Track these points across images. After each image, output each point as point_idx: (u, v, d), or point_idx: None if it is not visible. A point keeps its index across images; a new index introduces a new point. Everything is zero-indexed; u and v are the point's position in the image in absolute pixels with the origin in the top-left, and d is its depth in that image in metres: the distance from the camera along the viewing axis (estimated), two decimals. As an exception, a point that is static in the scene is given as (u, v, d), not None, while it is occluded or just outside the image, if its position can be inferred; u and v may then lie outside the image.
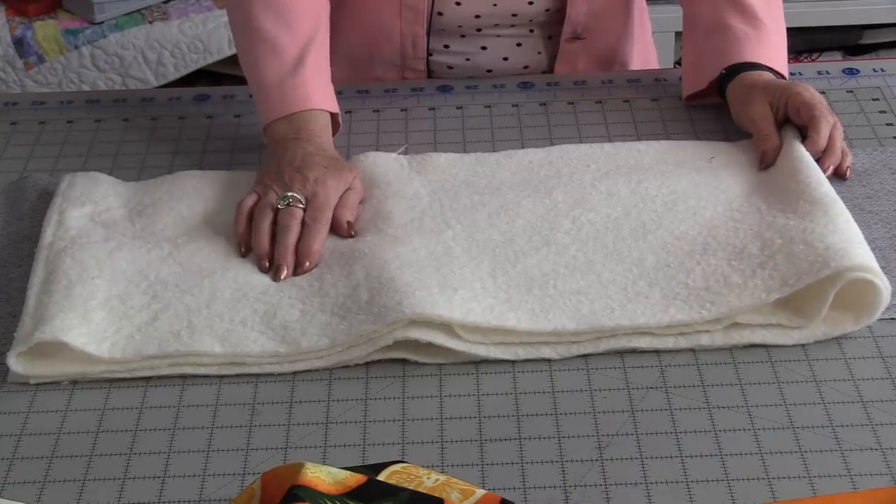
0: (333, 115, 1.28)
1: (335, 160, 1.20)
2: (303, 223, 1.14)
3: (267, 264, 1.11)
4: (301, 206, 1.15)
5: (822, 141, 1.20)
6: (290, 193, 1.15)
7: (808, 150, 1.19)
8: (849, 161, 1.22)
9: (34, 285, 1.08)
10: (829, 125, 1.21)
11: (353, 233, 1.15)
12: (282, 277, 1.09)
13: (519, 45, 1.47)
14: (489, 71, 1.48)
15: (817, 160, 1.19)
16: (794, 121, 1.24)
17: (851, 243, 1.04)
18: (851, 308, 1.03)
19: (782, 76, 1.30)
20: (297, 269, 1.10)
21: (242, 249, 1.13)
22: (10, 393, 1.01)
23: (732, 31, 1.32)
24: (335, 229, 1.15)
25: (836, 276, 1.01)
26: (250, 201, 1.17)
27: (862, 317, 1.03)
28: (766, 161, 1.21)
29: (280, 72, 1.26)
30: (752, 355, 1.02)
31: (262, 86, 1.27)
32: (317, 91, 1.26)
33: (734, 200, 1.15)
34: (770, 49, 1.32)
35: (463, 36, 1.46)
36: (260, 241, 1.13)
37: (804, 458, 0.91)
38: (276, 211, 1.15)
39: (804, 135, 1.22)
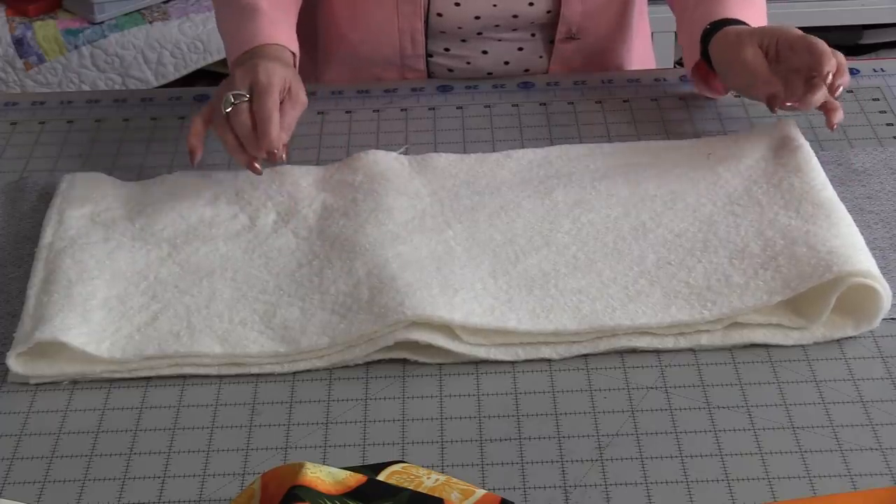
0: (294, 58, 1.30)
1: (286, 62, 1.24)
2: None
3: (245, 158, 1.16)
4: (246, 98, 1.17)
5: (832, 63, 1.16)
6: (231, 92, 1.18)
7: (818, 85, 1.16)
8: (839, 116, 1.20)
9: (34, 285, 1.08)
10: (832, 53, 1.18)
11: (284, 158, 1.16)
12: (279, 160, 1.15)
13: (520, 49, 1.47)
14: (490, 74, 1.48)
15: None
16: (790, 59, 1.20)
17: (854, 248, 1.04)
18: (852, 313, 1.03)
19: None
20: (269, 160, 1.15)
21: (190, 157, 1.19)
22: (10, 393, 1.01)
23: None
24: (260, 142, 1.15)
25: (838, 281, 1.01)
26: (203, 110, 1.21)
27: (862, 323, 1.03)
28: (775, 104, 1.18)
29: (239, 19, 1.29)
30: (752, 355, 1.02)
31: (225, 34, 1.33)
32: (272, 28, 1.28)
33: (734, 194, 1.15)
34: (754, 10, 1.30)
35: (464, 40, 1.46)
36: (223, 136, 1.17)
37: (804, 458, 0.91)
38: (227, 116, 1.18)
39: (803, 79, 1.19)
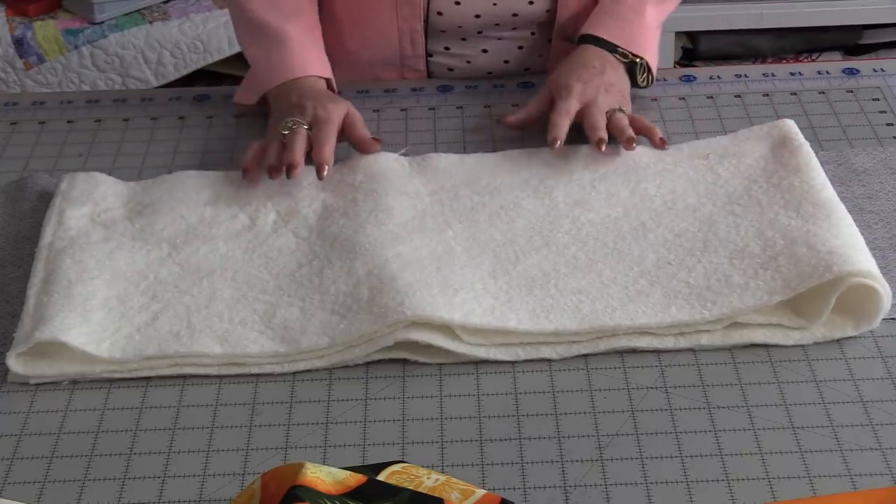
0: (328, 81, 1.35)
1: (331, 94, 1.29)
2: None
3: (274, 172, 1.20)
4: (305, 126, 1.23)
5: (550, 134, 1.23)
6: (291, 118, 1.23)
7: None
8: (660, 134, 1.24)
9: (34, 285, 1.08)
10: (567, 103, 1.25)
11: (379, 146, 1.24)
12: (295, 174, 1.19)
13: (520, 47, 1.47)
14: (490, 73, 1.48)
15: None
16: None
17: (854, 248, 1.04)
18: (852, 313, 1.03)
19: (628, 51, 1.33)
20: (318, 174, 1.20)
21: (242, 174, 1.22)
22: (10, 393, 1.01)
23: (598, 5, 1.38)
24: (363, 147, 1.24)
25: (838, 281, 1.01)
26: (259, 141, 1.26)
27: (862, 323, 1.03)
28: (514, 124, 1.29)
29: (268, 48, 1.34)
30: (752, 355, 1.02)
31: (253, 60, 1.37)
32: (305, 57, 1.33)
33: (734, 194, 1.15)
34: (618, 28, 1.34)
35: (464, 39, 1.46)
36: (268, 156, 1.22)
37: (804, 458, 0.91)
38: (283, 137, 1.22)
39: None
